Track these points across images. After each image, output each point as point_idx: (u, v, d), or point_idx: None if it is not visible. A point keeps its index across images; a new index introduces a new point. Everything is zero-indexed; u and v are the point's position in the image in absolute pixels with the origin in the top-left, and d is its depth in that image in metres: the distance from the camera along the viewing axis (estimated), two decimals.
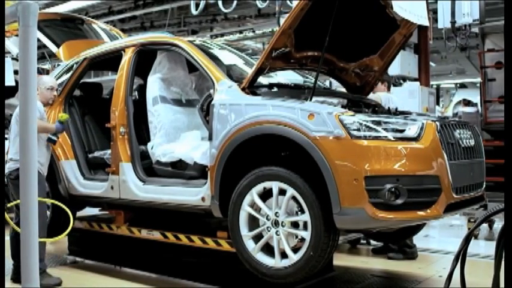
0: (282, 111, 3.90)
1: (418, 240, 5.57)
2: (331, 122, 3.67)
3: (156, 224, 5.15)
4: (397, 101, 6.01)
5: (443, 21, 8.59)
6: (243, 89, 4.27)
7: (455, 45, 9.28)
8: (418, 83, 9.08)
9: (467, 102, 15.33)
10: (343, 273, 5.13)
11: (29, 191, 2.15)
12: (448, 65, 17.55)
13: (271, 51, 4.18)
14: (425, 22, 4.33)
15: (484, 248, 6.59)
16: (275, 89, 4.61)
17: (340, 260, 5.49)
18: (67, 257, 5.92)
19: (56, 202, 5.41)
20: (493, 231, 7.81)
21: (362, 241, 6.48)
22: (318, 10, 4.08)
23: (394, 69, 8.08)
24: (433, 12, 9.50)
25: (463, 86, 22.57)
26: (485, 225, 7.82)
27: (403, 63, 8.81)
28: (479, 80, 15.24)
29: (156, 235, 4.99)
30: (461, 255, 2.89)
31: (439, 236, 7.81)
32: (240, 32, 14.27)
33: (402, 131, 3.71)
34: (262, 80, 4.70)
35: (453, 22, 8.43)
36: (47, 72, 8.07)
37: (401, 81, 9.29)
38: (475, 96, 16.69)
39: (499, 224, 7.44)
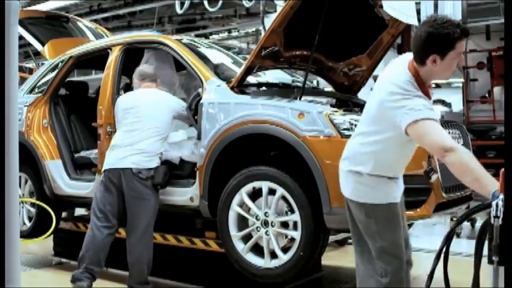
0: (272, 110, 3.89)
1: None
2: (322, 121, 3.67)
3: None
4: None
5: None
6: (232, 88, 4.25)
7: None
8: None
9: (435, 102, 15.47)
10: (332, 272, 5.13)
11: (10, 190, 2.12)
12: None
13: (260, 50, 4.17)
14: (414, 21, 4.35)
15: (466, 247, 6.63)
16: (264, 88, 4.59)
17: (329, 259, 5.48)
18: (52, 258, 5.83)
19: (38, 202, 5.36)
20: (475, 229, 7.87)
21: (349, 241, 6.48)
22: (307, 9, 4.07)
23: (377, 69, 8.07)
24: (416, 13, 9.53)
25: (437, 86, 22.78)
26: (467, 224, 7.89)
27: (386, 63, 8.78)
28: (455, 80, 15.43)
29: None
30: (444, 254, 2.89)
31: (423, 234, 7.84)
32: (229, 31, 14.21)
33: None
34: (251, 79, 4.68)
35: None
36: (31, 71, 7.97)
37: None
38: (448, 96, 16.92)
39: (480, 222, 7.50)
